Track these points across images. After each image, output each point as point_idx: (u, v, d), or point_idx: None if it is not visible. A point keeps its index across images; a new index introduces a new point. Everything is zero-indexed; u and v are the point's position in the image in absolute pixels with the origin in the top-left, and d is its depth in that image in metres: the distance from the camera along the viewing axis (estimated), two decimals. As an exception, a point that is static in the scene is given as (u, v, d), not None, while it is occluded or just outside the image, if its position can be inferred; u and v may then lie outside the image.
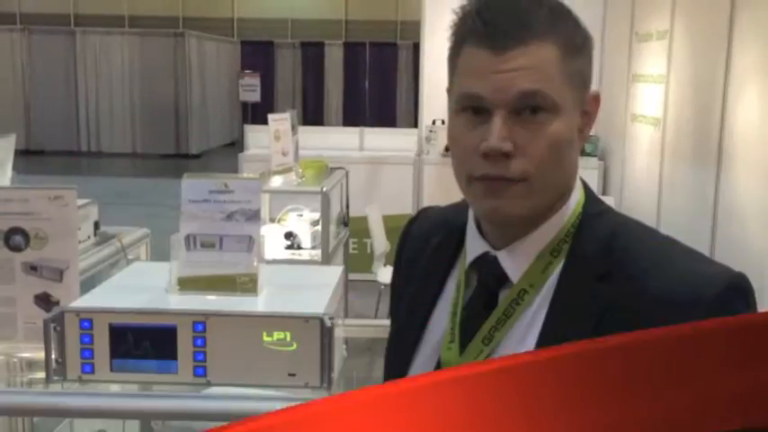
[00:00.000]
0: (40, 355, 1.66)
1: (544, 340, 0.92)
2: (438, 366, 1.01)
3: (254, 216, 1.84)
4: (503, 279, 0.99)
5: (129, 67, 16.80)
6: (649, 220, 5.25)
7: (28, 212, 1.76)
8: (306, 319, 1.63)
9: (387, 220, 5.85)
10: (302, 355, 1.62)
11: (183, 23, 19.28)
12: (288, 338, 1.63)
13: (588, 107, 0.98)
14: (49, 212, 1.76)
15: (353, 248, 6.21)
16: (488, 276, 1.00)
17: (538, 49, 0.91)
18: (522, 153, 0.92)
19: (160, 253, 2.87)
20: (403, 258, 1.18)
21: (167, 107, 16.75)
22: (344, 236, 4.74)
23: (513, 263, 0.98)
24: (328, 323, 1.62)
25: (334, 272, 2.06)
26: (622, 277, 0.91)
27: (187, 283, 1.81)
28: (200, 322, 1.64)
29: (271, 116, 4.65)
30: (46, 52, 16.61)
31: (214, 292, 1.80)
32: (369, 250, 6.06)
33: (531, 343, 0.94)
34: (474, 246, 1.02)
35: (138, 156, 16.64)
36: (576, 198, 0.99)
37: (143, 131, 16.90)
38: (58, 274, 1.78)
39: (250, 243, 1.83)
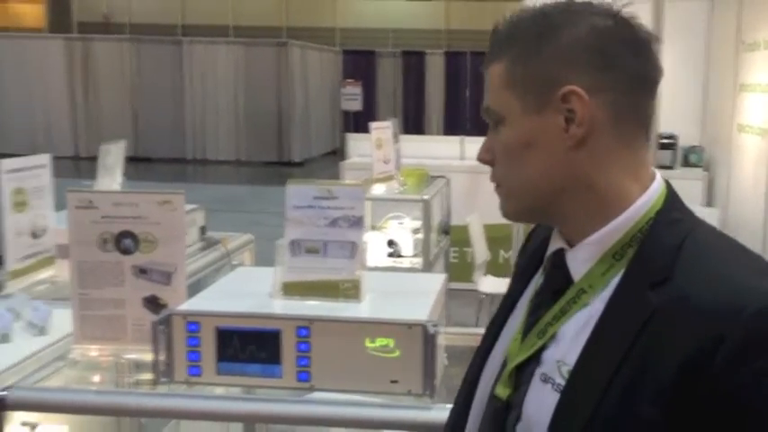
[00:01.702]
0: (148, 356, 1.70)
1: (591, 344, 0.93)
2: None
3: (357, 222, 1.83)
4: (568, 277, 1.00)
5: (234, 76, 17.25)
6: (756, 232, 5.08)
7: (138, 216, 1.79)
8: (409, 325, 1.61)
9: (488, 229, 5.78)
10: (405, 362, 1.60)
11: (287, 33, 19.72)
12: (391, 345, 1.62)
13: (568, 105, 0.96)
14: (157, 217, 1.79)
15: (454, 257, 6.17)
16: (554, 272, 1.02)
17: (494, 68, 1.02)
18: (497, 161, 1.03)
19: (262, 259, 2.91)
20: (525, 252, 1.21)
21: (270, 115, 17.12)
22: (445, 244, 4.71)
23: (577, 262, 0.99)
24: (432, 330, 1.59)
25: (437, 279, 2.03)
26: (673, 286, 0.90)
27: (291, 288, 1.82)
28: (305, 327, 1.64)
29: (373, 124, 4.68)
30: (154, 62, 17.24)
31: (317, 298, 1.80)
32: (469, 259, 6.01)
33: (580, 344, 0.94)
34: (554, 242, 1.05)
35: (241, 163, 17.07)
36: (649, 202, 0.97)
37: (247, 139, 17.31)
38: (167, 278, 1.80)
39: (353, 249, 1.83)
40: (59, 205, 2.38)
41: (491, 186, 1.05)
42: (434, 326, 1.60)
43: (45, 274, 2.36)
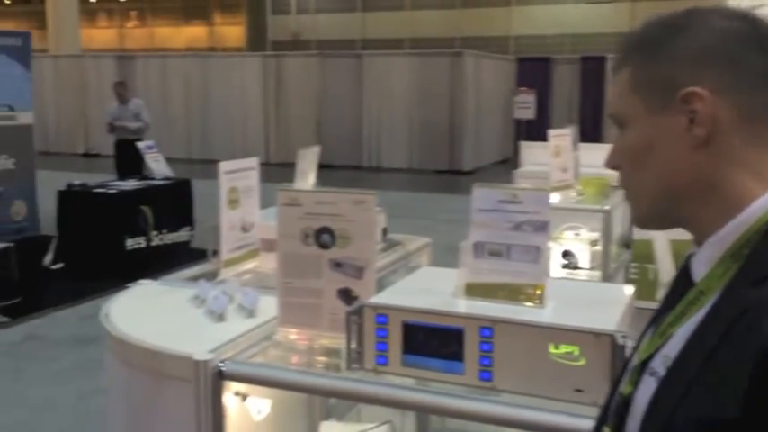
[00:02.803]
0: (340, 343, 1.80)
1: (691, 340, 0.93)
2: None
3: (542, 227, 1.83)
4: (691, 279, 1.00)
5: (409, 87, 17.57)
6: None
7: (335, 214, 1.90)
8: (596, 334, 1.59)
9: (675, 245, 5.53)
10: (591, 371, 1.57)
11: (462, 43, 19.83)
12: (576, 353, 1.60)
13: (690, 106, 0.97)
14: (352, 215, 1.89)
15: (634, 273, 5.94)
16: (681, 275, 1.04)
17: (621, 74, 1.05)
18: (622, 166, 1.06)
19: (434, 263, 2.96)
20: None
21: (443, 125, 17.28)
22: (625, 259, 4.55)
23: (699, 264, 1.00)
24: (620, 341, 1.56)
25: (624, 290, 2.00)
26: None
27: (474, 289, 1.85)
28: (488, 327, 1.66)
29: (551, 131, 4.62)
30: (336, 75, 17.94)
31: (500, 300, 1.81)
32: (651, 276, 5.77)
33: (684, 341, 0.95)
34: (690, 246, 1.06)
35: (413, 171, 17.33)
36: None
37: (420, 148, 17.58)
38: (359, 272, 1.89)
39: (537, 254, 1.83)
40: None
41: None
42: (623, 337, 1.57)
43: (251, 264, 2.57)
